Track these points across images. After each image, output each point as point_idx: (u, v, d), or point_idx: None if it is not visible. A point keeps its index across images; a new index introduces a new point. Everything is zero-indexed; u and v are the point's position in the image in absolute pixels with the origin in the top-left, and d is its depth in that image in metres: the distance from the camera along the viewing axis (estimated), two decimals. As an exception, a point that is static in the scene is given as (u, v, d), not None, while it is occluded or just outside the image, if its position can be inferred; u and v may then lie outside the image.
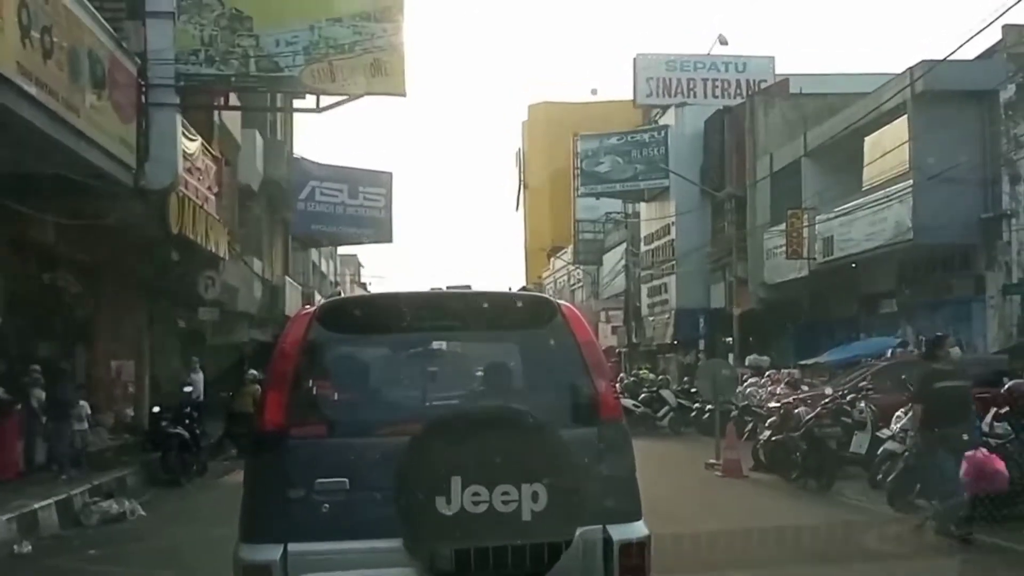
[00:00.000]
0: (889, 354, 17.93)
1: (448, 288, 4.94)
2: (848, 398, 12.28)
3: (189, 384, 15.71)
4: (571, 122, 51.89)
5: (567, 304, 4.78)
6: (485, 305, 4.82)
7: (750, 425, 13.83)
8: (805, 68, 50.13)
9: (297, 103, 15.99)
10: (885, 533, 9.14)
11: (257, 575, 4.00)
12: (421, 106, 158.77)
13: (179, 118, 13.81)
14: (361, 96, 14.15)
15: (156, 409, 14.50)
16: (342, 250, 54.14)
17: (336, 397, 4.57)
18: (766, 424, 12.82)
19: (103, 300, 16.75)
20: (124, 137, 12.53)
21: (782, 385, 17.85)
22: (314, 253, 37.89)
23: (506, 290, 5.56)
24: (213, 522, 10.49)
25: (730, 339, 27.88)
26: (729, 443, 13.03)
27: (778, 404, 15.29)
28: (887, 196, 19.20)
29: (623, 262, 38.49)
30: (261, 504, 4.11)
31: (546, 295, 5.54)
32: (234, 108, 19.28)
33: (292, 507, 4.03)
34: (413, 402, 4.69)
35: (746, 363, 22.94)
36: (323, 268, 42.13)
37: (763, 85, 32.10)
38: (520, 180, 71.98)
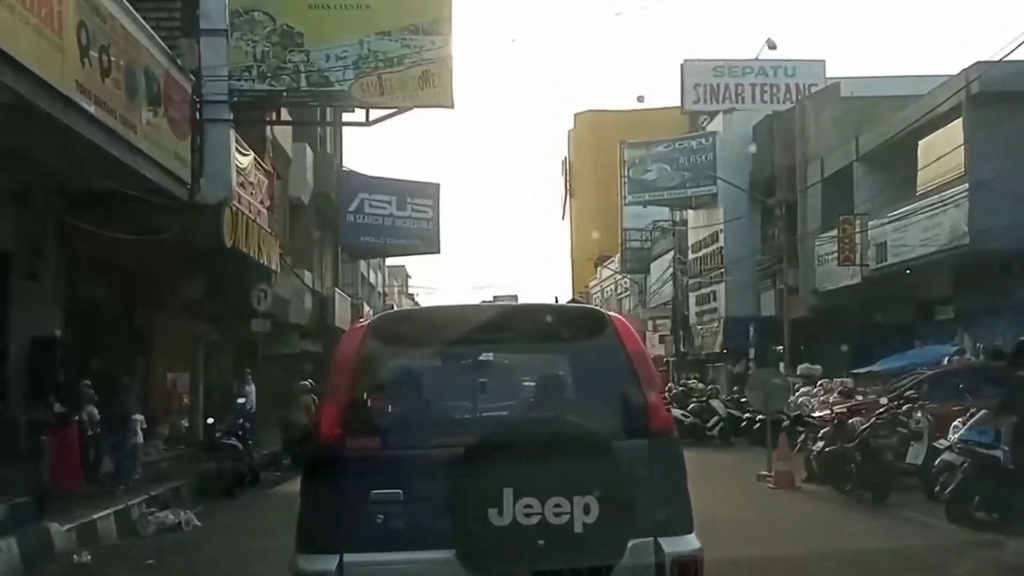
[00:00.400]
0: (946, 362, 17.61)
1: (496, 299, 5.20)
2: (904, 408, 12.04)
3: (242, 396, 15.93)
4: (617, 130, 51.72)
5: (617, 315, 4.79)
6: (536, 317, 4.89)
7: (803, 436, 13.60)
8: (856, 71, 49.64)
9: (347, 116, 16.18)
10: (942, 546, 8.92)
11: None
12: (468, 117, 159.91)
13: (232, 133, 14.05)
14: (410, 108, 14.27)
15: (210, 420, 14.75)
16: (390, 261, 54.56)
17: (390, 409, 4.60)
18: (819, 434, 12.61)
19: (159, 313, 17.09)
20: (179, 153, 12.79)
21: (835, 394, 17.57)
22: (363, 265, 38.25)
23: (553, 300, 5.82)
24: (265, 533, 10.63)
25: (781, 348, 27.59)
26: (781, 454, 12.84)
27: (828, 412, 15.14)
28: (942, 201, 18.83)
29: (671, 270, 38.24)
30: (317, 515, 4.16)
31: (596, 307, 5.52)
32: (285, 123, 19.57)
33: (348, 518, 4.08)
34: (466, 414, 4.75)
35: (798, 372, 22.60)
36: (372, 279, 42.51)
37: (813, 89, 31.70)
38: (566, 189, 71.95)
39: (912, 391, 13.82)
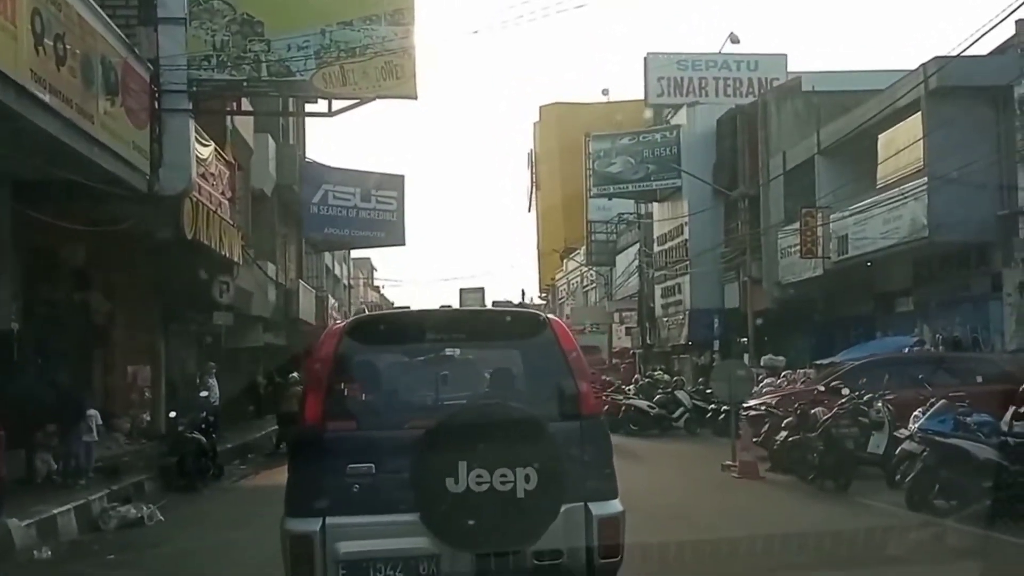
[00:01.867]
0: (906, 352, 17.88)
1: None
2: (865, 398, 12.18)
3: (205, 389, 15.73)
4: (583, 123, 51.77)
5: (555, 318, 5.75)
6: (486, 320, 6.05)
7: (766, 426, 13.72)
8: (817, 66, 50.13)
9: (309, 107, 15.96)
10: (902, 532, 9.08)
11: (301, 543, 4.82)
12: (433, 108, 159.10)
13: (192, 124, 13.86)
14: (372, 99, 14.16)
15: (172, 414, 14.55)
16: (355, 254, 54.22)
17: (363, 397, 5.49)
18: (783, 425, 12.73)
19: (119, 306, 16.82)
20: (138, 143, 12.59)
21: (799, 385, 17.76)
22: (327, 257, 37.97)
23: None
24: (229, 526, 10.55)
25: (745, 339, 27.84)
26: (745, 445, 12.95)
27: (761, 404, 15.34)
28: (902, 194, 19.08)
29: (636, 263, 38.40)
30: (303, 485, 4.96)
31: (537, 311, 6.29)
32: (246, 113, 19.33)
33: (328, 488, 4.87)
34: (427, 401, 5.61)
35: (761, 363, 22.82)
36: (337, 272, 42.23)
37: (775, 83, 31.96)
38: (532, 181, 71.94)
39: (838, 381, 14.03)
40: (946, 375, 14.48)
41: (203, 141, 16.11)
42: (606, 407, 21.26)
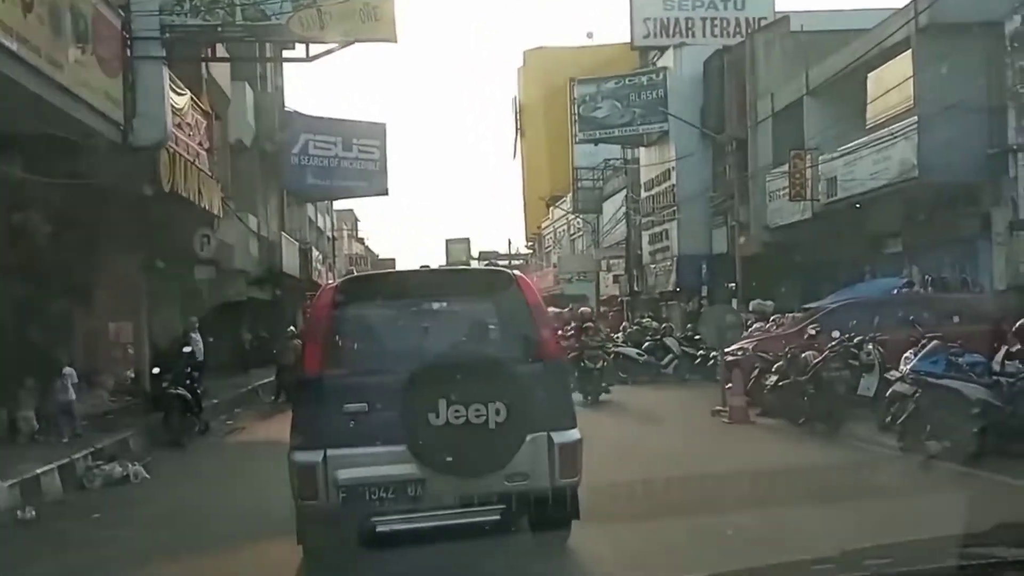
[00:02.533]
0: (895, 293, 17.82)
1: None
2: (855, 340, 12.10)
3: (188, 344, 15.51)
4: (567, 68, 50.85)
5: (521, 275, 6.67)
6: (462, 278, 7.27)
7: (756, 370, 13.63)
8: (805, 4, 49.34)
9: (286, 53, 15.57)
10: (892, 470, 9.09)
11: (307, 472, 5.59)
12: (414, 55, 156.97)
13: (166, 72, 13.45)
14: (351, 43, 13.76)
15: (156, 370, 14.34)
16: (338, 205, 53.70)
17: (356, 347, 6.21)
18: (773, 369, 12.66)
19: (99, 262, 16.50)
20: (110, 93, 12.23)
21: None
22: (310, 208, 37.52)
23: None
24: (215, 483, 10.44)
25: (733, 285, 27.78)
26: (735, 390, 12.88)
27: (737, 347, 15.23)
28: (892, 134, 18.84)
29: (623, 209, 38.15)
30: (307, 424, 5.77)
31: (505, 270, 7.59)
32: (222, 60, 18.83)
33: (328, 425, 5.66)
34: (411, 349, 6.18)
35: (750, 308, 22.69)
36: (320, 223, 41.79)
37: (763, 23, 31.43)
38: (517, 128, 71.18)
39: (815, 324, 14.00)
40: (929, 316, 14.42)
41: (178, 90, 15.69)
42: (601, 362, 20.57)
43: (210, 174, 17.44)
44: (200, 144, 17.36)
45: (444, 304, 6.60)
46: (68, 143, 11.60)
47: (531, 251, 71.38)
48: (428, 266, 7.79)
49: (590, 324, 19.01)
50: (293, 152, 27.91)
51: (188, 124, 16.48)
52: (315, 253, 34.87)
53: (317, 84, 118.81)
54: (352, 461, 5.58)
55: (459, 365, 5.78)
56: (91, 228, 15.71)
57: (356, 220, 74.09)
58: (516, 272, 6.81)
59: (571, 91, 37.56)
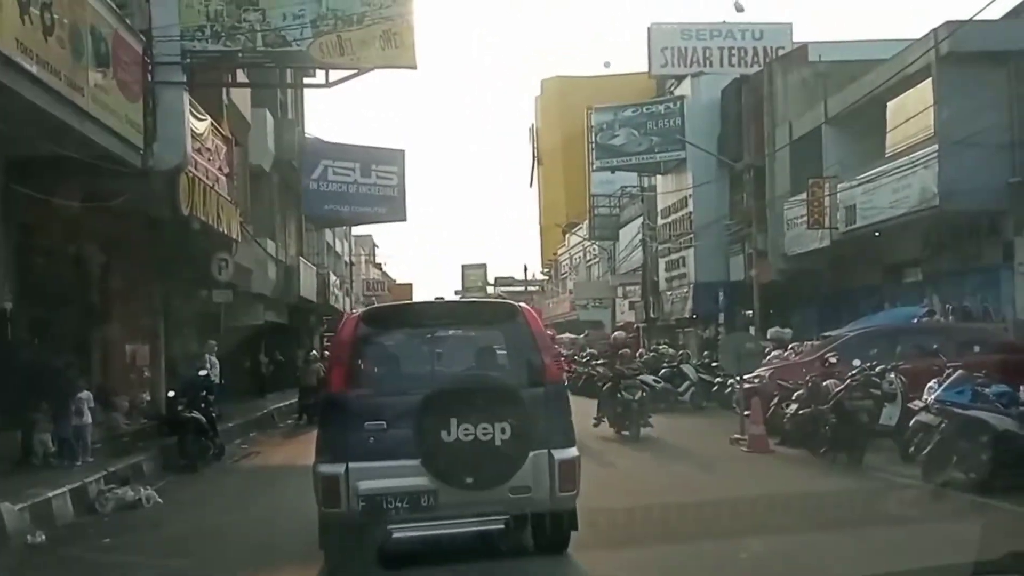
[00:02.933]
0: (916, 322, 17.63)
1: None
2: (877, 369, 11.92)
3: (204, 368, 15.49)
4: (584, 96, 51.12)
5: (525, 307, 7.18)
6: (470, 309, 7.95)
7: (776, 399, 13.45)
8: (823, 35, 49.51)
9: (307, 80, 15.63)
10: (912, 500, 8.93)
11: (330, 483, 6.10)
12: (433, 84, 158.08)
13: (186, 96, 13.52)
14: (371, 69, 13.82)
15: (171, 394, 14.32)
16: (357, 230, 53.89)
17: (376, 370, 6.78)
18: (793, 397, 12.48)
19: (117, 284, 16.56)
20: (130, 116, 12.27)
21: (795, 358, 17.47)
22: (328, 234, 37.65)
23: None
24: (228, 508, 10.35)
25: (750, 312, 27.59)
26: (754, 418, 12.70)
27: (753, 375, 15.00)
28: (912, 162, 18.71)
29: (640, 236, 38.06)
30: (331, 439, 6.30)
31: (511, 301, 8.10)
32: (242, 85, 18.97)
33: (350, 440, 6.16)
34: (426, 372, 6.74)
35: (768, 336, 22.48)
36: (337, 248, 41.90)
37: (780, 52, 31.44)
38: (534, 156, 71.40)
39: (833, 353, 13.84)
40: (950, 345, 14.22)
41: (199, 115, 15.78)
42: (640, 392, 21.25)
43: (229, 199, 17.50)
44: (220, 169, 17.43)
45: (455, 332, 7.22)
46: (88, 167, 11.64)
47: (547, 277, 71.35)
48: (442, 297, 8.35)
49: (625, 351, 18.58)
50: (312, 178, 28.01)
51: (208, 149, 16.56)
52: (333, 278, 34.95)
53: (337, 111, 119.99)
54: (371, 473, 6.11)
55: (468, 388, 6.33)
56: (110, 250, 15.79)
57: (374, 245, 74.33)
58: (521, 304, 7.46)
59: (588, 119, 37.63)
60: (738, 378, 13.63)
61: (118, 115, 11.85)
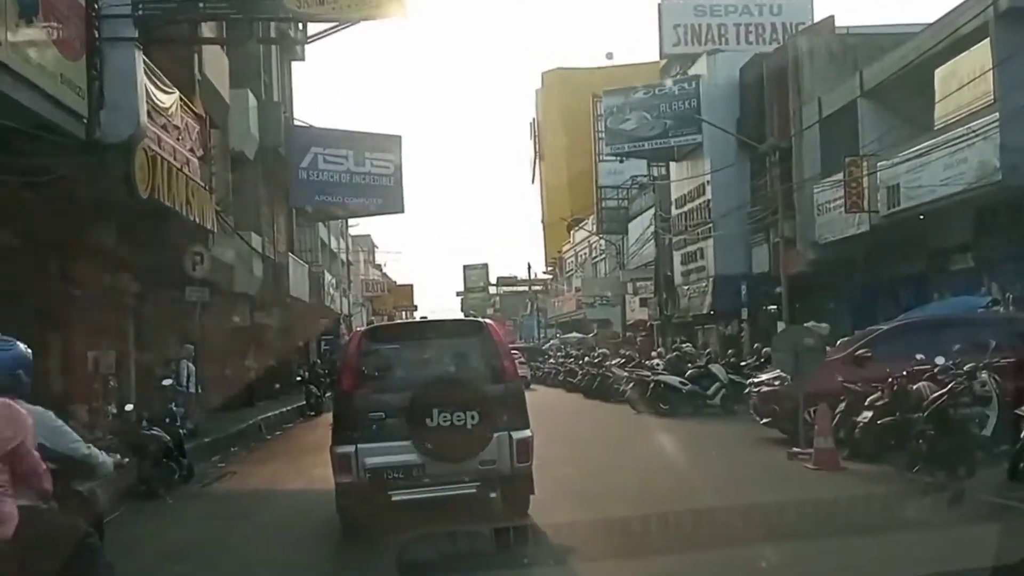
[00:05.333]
0: (980, 312, 15.58)
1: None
2: (966, 368, 9.89)
3: (169, 376, 13.44)
4: (587, 88, 49.23)
5: (490, 322, 9.39)
6: (448, 326, 10.13)
7: (842, 404, 11.34)
8: (843, 13, 47.28)
9: (285, 39, 13.59)
10: None
11: (344, 459, 7.90)
12: (429, 83, 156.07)
13: (139, 56, 11.47)
14: (356, 21, 11.78)
15: (128, 407, 12.28)
16: (355, 230, 51.95)
17: (376, 373, 8.39)
18: (866, 403, 10.44)
19: (77, 282, 14.51)
20: (69, 77, 10.27)
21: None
22: (323, 230, 35.63)
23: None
24: (183, 554, 8.32)
25: (773, 307, 25.71)
26: (822, 429, 10.60)
27: (773, 376, 13.57)
28: (972, 132, 16.67)
29: (651, 229, 36.06)
30: (343, 426, 8.14)
31: (478, 318, 10.78)
32: (208, 41, 16.81)
33: (358, 426, 7.98)
34: (414, 374, 8.42)
35: (802, 331, 20.50)
36: (333, 246, 39.83)
37: (800, 28, 29.47)
38: (535, 151, 69.46)
39: (865, 349, 12.64)
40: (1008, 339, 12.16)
41: (164, 87, 13.85)
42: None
43: (203, 184, 15.50)
44: (191, 151, 15.46)
45: (435, 343, 8.87)
46: (21, 138, 9.69)
47: (550, 275, 69.40)
48: (426, 317, 10.94)
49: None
50: (301, 166, 25.90)
51: (176, 127, 14.59)
52: (328, 277, 32.91)
53: (328, 106, 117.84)
54: (374, 452, 7.78)
55: (446, 385, 8.09)
56: (66, 243, 13.75)
57: (374, 246, 72.50)
58: (487, 320, 9.73)
59: (594, 108, 35.69)
60: (800, 380, 11.53)
61: (52, 75, 9.87)
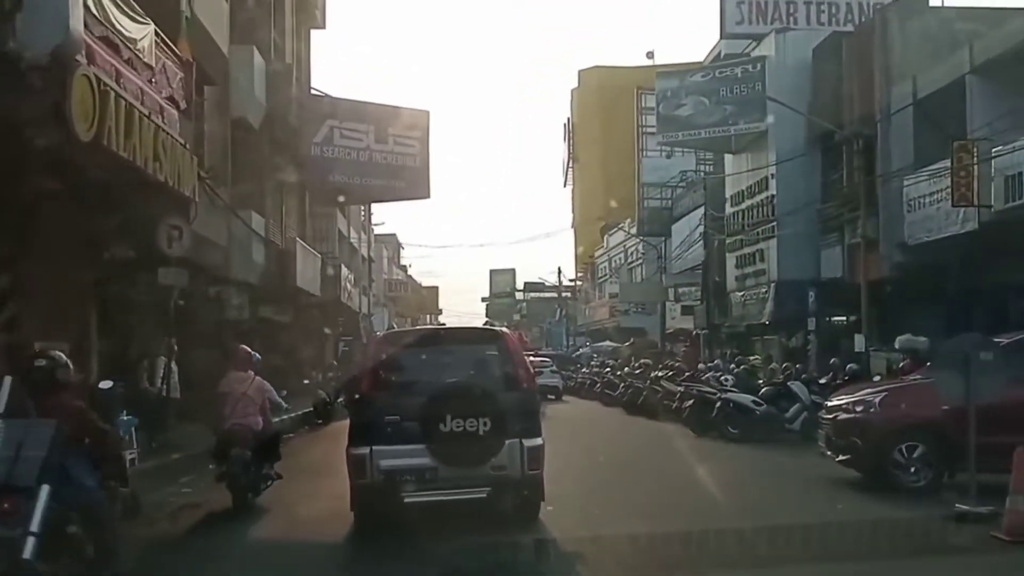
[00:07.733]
0: None
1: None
2: None
3: (108, 380, 10.42)
4: (626, 87, 46.28)
5: (507, 331, 10.82)
6: (468, 332, 10.91)
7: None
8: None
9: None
10: None
11: (359, 461, 8.32)
12: (459, 88, 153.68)
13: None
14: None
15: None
16: (380, 229, 49.23)
17: (393, 378, 8.99)
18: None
19: (22, 258, 11.62)
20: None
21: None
22: (342, 221, 32.73)
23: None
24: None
25: (842, 318, 22.48)
26: (1019, 484, 7.37)
27: (849, 400, 11.40)
28: None
29: (700, 229, 32.86)
30: (360, 428, 8.58)
31: (496, 328, 12.52)
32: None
33: (374, 429, 8.41)
34: (430, 380, 8.77)
35: (896, 346, 17.38)
36: (352, 240, 36.86)
37: (877, 7, 26.25)
38: (569, 154, 66.56)
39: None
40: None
41: (134, 16, 11.12)
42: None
43: (182, 142, 12.61)
44: (170, 99, 12.61)
45: (452, 350, 9.41)
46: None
47: (580, 281, 66.31)
48: (444, 324, 10.83)
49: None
50: (315, 141, 22.95)
51: (148, 66, 11.81)
52: (345, 272, 29.98)
53: (350, 88, 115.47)
54: (389, 454, 8.23)
55: (460, 392, 8.41)
56: (12, 212, 10.86)
57: (399, 246, 70.00)
58: (503, 329, 11.17)
59: (639, 101, 32.55)
60: (973, 405, 8.29)
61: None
